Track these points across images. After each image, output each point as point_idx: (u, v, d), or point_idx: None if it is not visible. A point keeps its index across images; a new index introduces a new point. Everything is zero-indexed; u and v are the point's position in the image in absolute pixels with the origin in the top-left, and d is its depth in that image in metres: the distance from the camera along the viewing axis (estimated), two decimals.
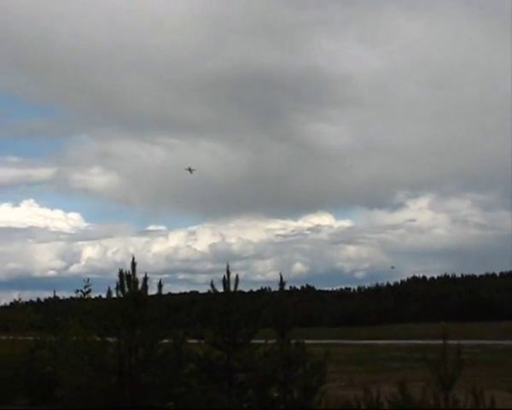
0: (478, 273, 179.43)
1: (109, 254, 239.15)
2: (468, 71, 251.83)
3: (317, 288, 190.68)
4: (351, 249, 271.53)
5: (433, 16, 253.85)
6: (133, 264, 16.84)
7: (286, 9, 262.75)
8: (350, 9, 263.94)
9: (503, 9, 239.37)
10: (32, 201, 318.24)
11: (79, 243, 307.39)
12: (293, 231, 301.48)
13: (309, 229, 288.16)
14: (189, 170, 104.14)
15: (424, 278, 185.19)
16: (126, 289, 16.68)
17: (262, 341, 17.29)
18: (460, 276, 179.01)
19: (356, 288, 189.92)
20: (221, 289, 17.27)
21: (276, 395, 16.83)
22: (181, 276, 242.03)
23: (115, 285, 16.73)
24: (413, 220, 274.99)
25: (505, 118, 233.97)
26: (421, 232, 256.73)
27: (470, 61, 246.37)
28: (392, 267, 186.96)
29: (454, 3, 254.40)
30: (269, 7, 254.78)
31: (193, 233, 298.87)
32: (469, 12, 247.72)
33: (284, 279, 17.49)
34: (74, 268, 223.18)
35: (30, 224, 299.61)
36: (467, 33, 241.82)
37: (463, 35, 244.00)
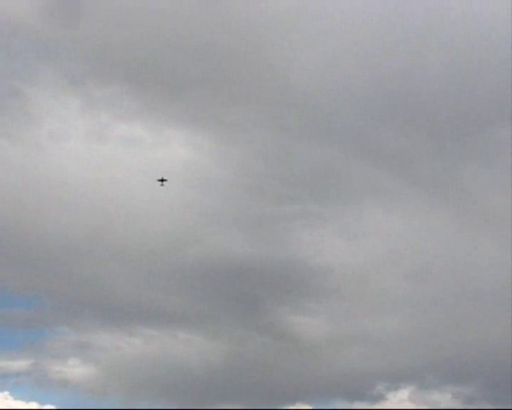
0: None
1: None
2: (446, 262, 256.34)
3: None
4: None
5: (409, 209, 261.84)
6: None
7: (264, 203, 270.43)
8: (327, 203, 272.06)
9: (479, 202, 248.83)
10: (6, 393, 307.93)
11: None
12: None
13: None
14: (161, 180, 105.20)
15: None
16: None
17: None
18: None
19: None
20: None
21: None
22: None
23: None
24: None
25: (484, 309, 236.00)
26: None
27: (448, 253, 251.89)
28: None
29: (430, 197, 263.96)
30: (248, 199, 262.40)
31: None
32: (446, 204, 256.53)
33: None
34: None
35: None
36: (444, 226, 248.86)
37: (441, 227, 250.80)
